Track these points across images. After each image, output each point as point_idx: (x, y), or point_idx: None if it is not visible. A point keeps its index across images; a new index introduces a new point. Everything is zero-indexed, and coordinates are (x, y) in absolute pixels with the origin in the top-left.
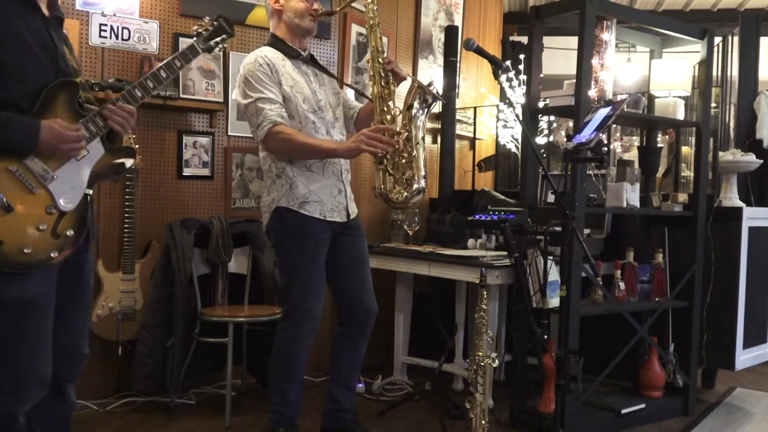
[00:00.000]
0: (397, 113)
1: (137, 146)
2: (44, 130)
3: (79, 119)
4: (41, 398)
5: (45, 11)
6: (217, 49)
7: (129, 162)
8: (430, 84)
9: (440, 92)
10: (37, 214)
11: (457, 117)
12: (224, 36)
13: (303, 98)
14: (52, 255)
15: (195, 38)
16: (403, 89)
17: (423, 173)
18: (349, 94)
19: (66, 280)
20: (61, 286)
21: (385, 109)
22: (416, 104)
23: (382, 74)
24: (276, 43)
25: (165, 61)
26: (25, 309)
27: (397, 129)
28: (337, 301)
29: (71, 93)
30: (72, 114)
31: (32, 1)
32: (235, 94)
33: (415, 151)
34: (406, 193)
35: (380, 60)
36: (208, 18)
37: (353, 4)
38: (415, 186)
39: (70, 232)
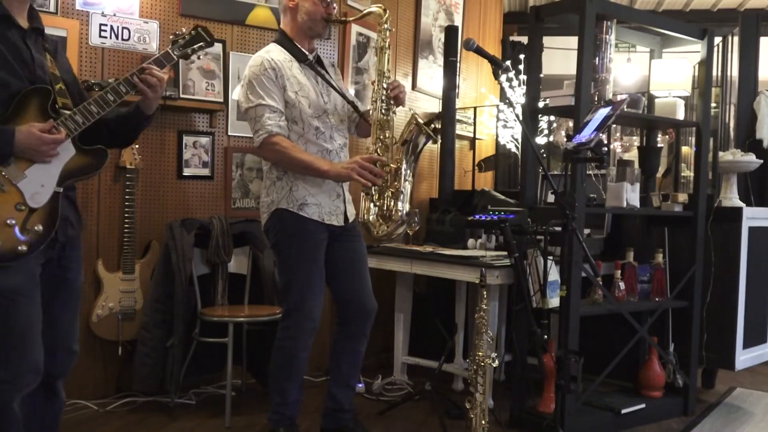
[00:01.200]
0: (392, 143)
1: (137, 146)
2: (22, 134)
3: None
4: (33, 390)
5: (24, 23)
6: (195, 56)
7: (100, 162)
8: (430, 122)
9: (438, 131)
10: (6, 210)
11: (457, 117)
12: (202, 44)
13: (308, 103)
14: (19, 249)
15: (171, 45)
16: (402, 111)
17: (407, 209)
18: (351, 92)
19: (50, 277)
20: (45, 283)
21: (382, 137)
22: (411, 141)
23: (384, 100)
24: (284, 41)
25: (139, 67)
26: (9, 299)
27: (389, 161)
28: (337, 301)
29: (43, 98)
30: (43, 118)
31: (9, 18)
32: (238, 94)
33: (402, 187)
34: (387, 229)
35: (385, 85)
36: (185, 29)
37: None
38: (398, 218)
39: (39, 227)
